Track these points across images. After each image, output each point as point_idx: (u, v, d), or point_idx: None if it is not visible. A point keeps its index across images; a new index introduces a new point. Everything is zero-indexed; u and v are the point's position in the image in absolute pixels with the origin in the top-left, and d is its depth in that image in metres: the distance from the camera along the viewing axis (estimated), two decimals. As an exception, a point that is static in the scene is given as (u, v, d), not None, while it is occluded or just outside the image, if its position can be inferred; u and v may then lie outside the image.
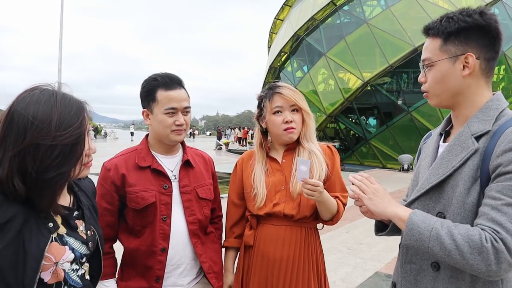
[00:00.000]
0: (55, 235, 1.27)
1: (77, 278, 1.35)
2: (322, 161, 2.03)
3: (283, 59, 23.95)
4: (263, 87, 26.97)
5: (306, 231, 2.02)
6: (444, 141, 1.50)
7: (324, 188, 1.93)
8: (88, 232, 1.40)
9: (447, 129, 1.52)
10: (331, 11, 20.79)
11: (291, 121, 2.00)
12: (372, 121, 23.11)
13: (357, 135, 21.50)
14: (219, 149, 30.12)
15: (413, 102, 18.53)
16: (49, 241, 1.23)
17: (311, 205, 2.00)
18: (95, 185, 1.64)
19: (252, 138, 37.72)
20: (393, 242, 6.12)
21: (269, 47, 28.33)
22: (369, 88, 19.14)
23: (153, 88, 1.87)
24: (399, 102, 18.94)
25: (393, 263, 5.24)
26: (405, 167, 17.04)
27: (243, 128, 41.66)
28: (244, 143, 36.12)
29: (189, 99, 1.95)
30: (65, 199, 1.37)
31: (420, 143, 1.71)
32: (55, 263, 1.26)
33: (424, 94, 1.46)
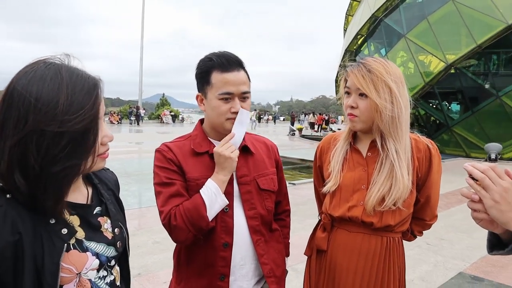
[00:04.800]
0: (72, 241, 1.07)
1: (106, 287, 1.18)
2: (405, 174, 1.64)
3: (359, 42, 23.12)
4: (338, 72, 26.36)
5: (387, 242, 1.70)
6: None
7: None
8: (116, 230, 1.21)
9: None
10: (413, -11, 19.63)
11: (352, 107, 1.69)
12: (454, 107, 21.65)
13: (438, 122, 20.25)
14: (292, 135, 29.98)
15: (503, 86, 17.03)
16: (63, 251, 1.04)
17: (399, 213, 1.68)
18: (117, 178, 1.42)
19: (326, 124, 37.25)
20: (479, 240, 5.66)
21: (345, 30, 27.48)
22: (453, 71, 17.82)
23: (208, 69, 1.66)
24: (487, 86, 17.52)
25: (480, 263, 4.82)
26: (492, 156, 15.77)
27: (319, 114, 41.15)
28: (318, 129, 35.64)
29: (249, 83, 1.70)
30: (82, 194, 1.17)
31: None
32: (77, 273, 1.08)
33: None
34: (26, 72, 1.00)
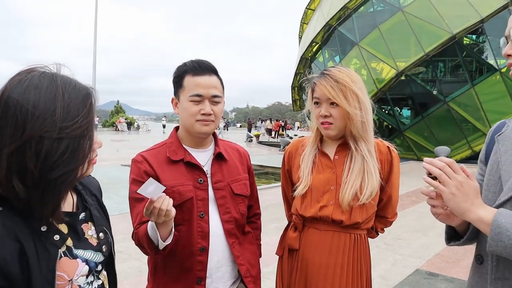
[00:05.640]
0: (63, 249, 1.08)
1: None
2: (377, 171, 1.79)
3: (314, 49, 23.59)
4: (294, 79, 26.49)
5: (355, 238, 1.81)
6: None
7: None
8: (100, 234, 1.22)
9: None
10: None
11: (326, 116, 1.79)
12: (405, 112, 22.52)
13: (390, 127, 20.97)
14: (249, 141, 30.11)
15: (450, 92, 17.91)
16: (58, 257, 1.05)
17: (365, 210, 1.80)
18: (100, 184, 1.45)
19: (283, 130, 37.71)
20: (433, 238, 5.98)
21: (300, 38, 27.97)
22: (403, 78, 18.54)
23: (182, 74, 1.75)
24: (435, 92, 18.34)
25: (434, 260, 5.07)
26: (442, 159, 16.51)
27: (276, 120, 41.60)
28: (275, 135, 35.99)
29: (221, 88, 1.78)
30: (68, 202, 1.18)
31: (490, 135, 1.43)
32: (69, 280, 1.09)
33: None
34: (20, 80, 1.00)
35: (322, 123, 1.81)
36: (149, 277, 1.85)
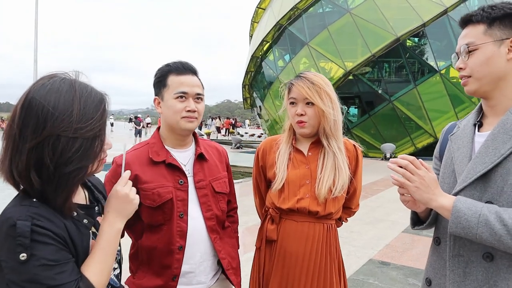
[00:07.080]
0: (92, 229, 1.23)
1: (114, 278, 1.34)
2: (346, 166, 1.96)
3: (265, 48, 23.83)
4: (244, 77, 26.38)
5: (328, 227, 1.98)
6: (478, 131, 1.47)
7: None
8: None
9: (478, 119, 1.49)
10: (314, 0, 20.68)
11: (301, 114, 1.95)
12: (353, 110, 23.22)
13: (339, 125, 21.49)
14: (200, 139, 29.88)
15: (394, 92, 18.71)
16: (90, 236, 1.19)
17: (337, 202, 1.97)
18: (102, 181, 1.54)
19: (233, 128, 37.79)
20: (382, 230, 6.35)
21: (250, 36, 28.14)
22: (351, 77, 19.17)
23: (165, 74, 1.82)
24: (380, 92, 19.06)
25: (385, 250, 5.39)
26: (387, 155, 17.21)
27: (227, 118, 41.60)
28: (226, 133, 36.00)
29: (202, 87, 1.87)
30: (81, 196, 1.29)
31: (443, 134, 1.66)
32: None
33: (463, 81, 1.43)
34: (43, 84, 1.12)
35: (298, 122, 1.96)
36: (131, 267, 1.89)
